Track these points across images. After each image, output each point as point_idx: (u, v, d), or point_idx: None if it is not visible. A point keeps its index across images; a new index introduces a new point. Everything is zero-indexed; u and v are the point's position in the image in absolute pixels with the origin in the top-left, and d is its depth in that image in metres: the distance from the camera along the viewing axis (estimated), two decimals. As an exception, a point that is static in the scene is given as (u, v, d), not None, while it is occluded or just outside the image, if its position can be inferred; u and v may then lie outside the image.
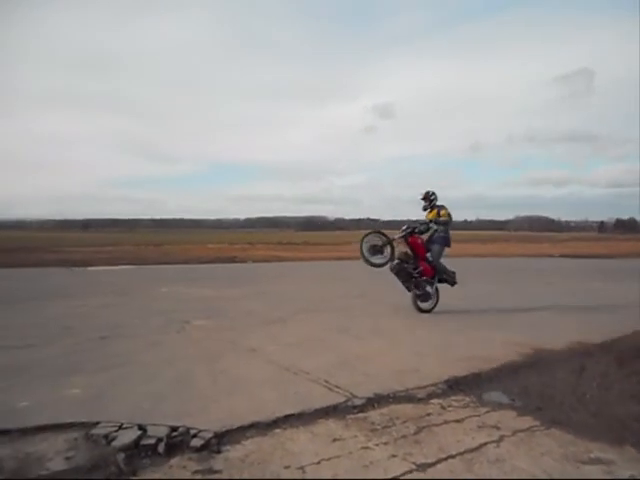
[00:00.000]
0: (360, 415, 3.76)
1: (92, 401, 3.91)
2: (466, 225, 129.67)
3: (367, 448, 3.16)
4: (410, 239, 8.47)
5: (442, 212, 8.55)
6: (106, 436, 3.25)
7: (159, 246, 36.66)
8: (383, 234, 8.57)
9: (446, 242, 8.67)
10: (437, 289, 8.59)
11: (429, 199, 8.75)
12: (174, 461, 2.99)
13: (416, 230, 8.51)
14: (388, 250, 8.41)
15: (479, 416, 3.75)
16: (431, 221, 8.54)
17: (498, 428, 3.50)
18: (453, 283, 8.78)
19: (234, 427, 3.40)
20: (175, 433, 3.25)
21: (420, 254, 8.50)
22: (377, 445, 3.21)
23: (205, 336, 6.44)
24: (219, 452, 3.10)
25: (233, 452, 3.11)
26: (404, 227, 8.52)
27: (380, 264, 8.41)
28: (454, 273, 8.77)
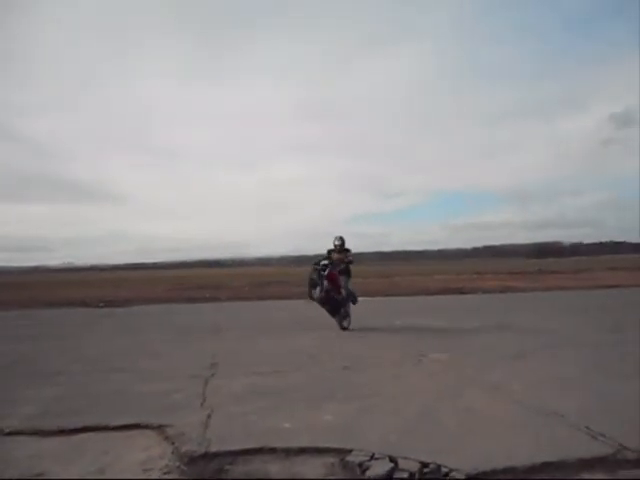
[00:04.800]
0: (636, 472, 3.24)
1: (343, 429, 4.14)
2: None
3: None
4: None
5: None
6: (360, 464, 3.40)
7: (388, 278, 37.87)
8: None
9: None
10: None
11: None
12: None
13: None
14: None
15: None
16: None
17: None
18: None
19: (487, 470, 3.23)
20: (426, 469, 3.23)
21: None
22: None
23: (442, 370, 6.35)
24: (474, 495, 2.97)
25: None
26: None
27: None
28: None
